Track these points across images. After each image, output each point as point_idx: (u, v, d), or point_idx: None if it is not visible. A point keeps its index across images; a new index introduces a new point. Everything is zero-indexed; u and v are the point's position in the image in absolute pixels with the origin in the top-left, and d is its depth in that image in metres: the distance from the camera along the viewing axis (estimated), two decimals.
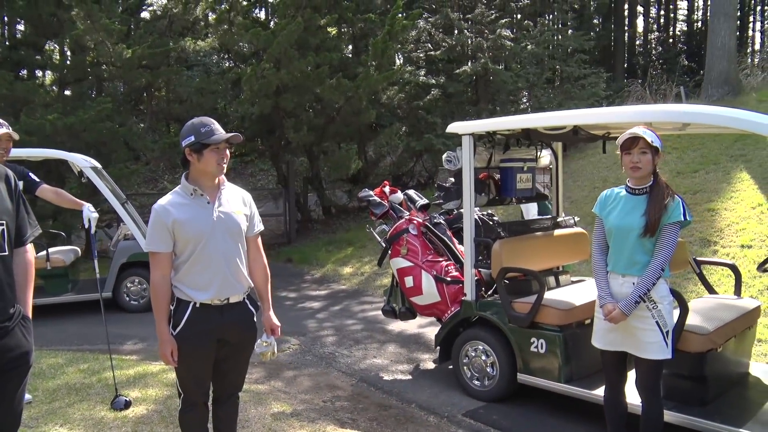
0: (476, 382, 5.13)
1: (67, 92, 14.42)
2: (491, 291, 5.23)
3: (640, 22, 30.76)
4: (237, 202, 3.23)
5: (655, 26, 32.71)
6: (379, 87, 13.39)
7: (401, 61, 17.27)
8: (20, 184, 4.78)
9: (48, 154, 8.64)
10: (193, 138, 3.06)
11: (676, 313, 3.91)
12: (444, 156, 5.50)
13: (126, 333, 7.53)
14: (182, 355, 3.17)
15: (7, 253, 2.59)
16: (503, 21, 15.33)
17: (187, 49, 13.78)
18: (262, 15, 19.63)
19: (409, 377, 5.85)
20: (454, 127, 5.21)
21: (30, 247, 2.82)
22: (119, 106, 13.67)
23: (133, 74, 12.78)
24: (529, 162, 5.78)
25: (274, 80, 12.12)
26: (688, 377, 4.11)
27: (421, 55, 16.00)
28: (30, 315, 2.76)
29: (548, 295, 4.78)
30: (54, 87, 14.98)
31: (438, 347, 5.51)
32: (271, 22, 15.62)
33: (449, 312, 5.34)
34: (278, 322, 3.39)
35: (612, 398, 3.83)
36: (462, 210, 5.31)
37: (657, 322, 3.46)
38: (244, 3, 13.96)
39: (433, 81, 15.50)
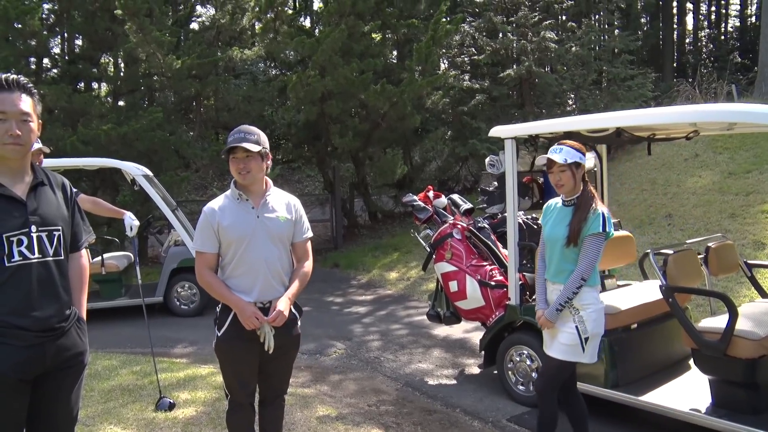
0: (521, 387, 5.10)
1: (121, 103, 14.84)
2: None
3: (689, 20, 30.07)
4: (281, 208, 3.30)
5: (706, 23, 31.93)
6: (423, 92, 13.44)
7: (445, 65, 17.27)
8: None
9: (102, 162, 8.93)
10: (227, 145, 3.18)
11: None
12: (487, 160, 5.51)
13: (176, 336, 7.72)
14: (226, 357, 3.27)
15: (63, 258, 2.71)
16: (547, 23, 15.20)
17: (234, 58, 14.04)
18: (307, 23, 19.88)
19: (454, 382, 5.85)
20: (496, 131, 5.21)
21: (84, 252, 2.94)
22: (169, 116, 14.00)
23: (183, 84, 13.10)
24: None
25: (319, 87, 12.27)
26: (739, 384, 4.01)
27: (465, 59, 15.98)
28: (84, 317, 2.87)
29: None
30: (109, 98, 15.43)
31: (482, 352, 5.51)
32: (316, 30, 15.80)
33: (494, 316, 5.33)
34: (285, 312, 3.18)
35: (563, 399, 3.93)
36: (506, 214, 5.30)
37: (577, 327, 3.62)
38: (289, 12, 14.20)
39: (478, 85, 15.45)
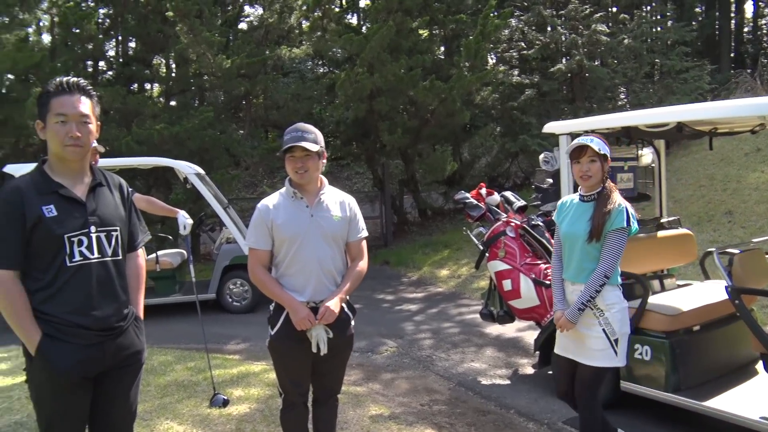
0: None
1: (173, 103, 15.12)
2: None
3: (748, 7, 29.01)
4: (336, 207, 3.27)
5: (767, 10, 30.77)
6: (472, 88, 13.32)
7: (494, 61, 17.08)
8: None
9: (156, 162, 9.09)
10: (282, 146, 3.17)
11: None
12: (541, 156, 5.39)
13: (229, 333, 7.81)
14: (279, 356, 3.27)
15: (120, 258, 2.75)
16: (598, 15, 14.89)
17: (283, 56, 14.16)
18: (354, 20, 19.89)
19: (508, 382, 5.77)
20: (550, 127, 5.09)
21: (141, 252, 2.98)
22: (220, 115, 14.20)
23: (233, 83, 13.27)
24: (630, 161, 5.56)
25: (367, 84, 12.26)
26: None
27: (514, 54, 15.77)
28: (142, 316, 2.91)
29: (653, 299, 4.58)
30: (161, 98, 15.74)
31: (537, 352, 5.40)
32: (363, 28, 15.79)
33: (548, 316, 5.21)
34: (335, 309, 3.12)
35: (563, 398, 3.85)
36: None
37: (604, 330, 3.47)
38: (337, 10, 14.22)
39: (527, 80, 15.24)
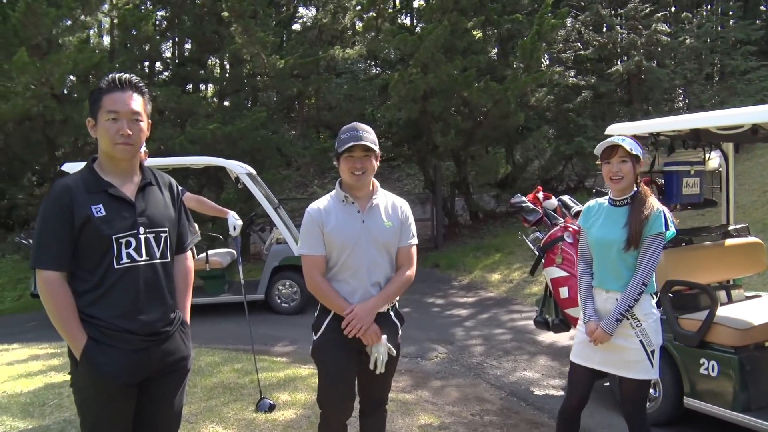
0: None
1: (226, 103, 15.26)
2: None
3: None
4: (388, 213, 3.12)
5: None
6: (527, 89, 13.05)
7: (549, 62, 16.74)
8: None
9: (208, 161, 9.13)
10: (336, 146, 3.05)
11: None
12: None
13: (277, 335, 7.77)
14: (322, 364, 3.13)
15: (169, 260, 2.68)
16: (659, 14, 14.42)
17: (336, 57, 14.12)
18: (408, 21, 19.76)
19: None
20: (614, 129, 4.86)
21: (190, 254, 2.90)
22: (272, 115, 14.26)
23: (286, 83, 13.31)
24: (697, 165, 5.29)
25: (421, 85, 12.12)
26: None
27: (570, 55, 15.41)
28: (188, 320, 2.83)
29: (721, 311, 4.32)
30: (215, 99, 15.91)
31: None
32: (418, 28, 15.66)
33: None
34: (365, 316, 2.96)
35: (569, 414, 3.65)
36: None
37: (641, 341, 3.32)
38: (391, 10, 14.12)
39: (583, 82, 14.87)
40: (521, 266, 10.66)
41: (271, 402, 4.93)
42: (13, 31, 11.05)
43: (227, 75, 15.45)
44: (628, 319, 3.31)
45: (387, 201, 3.17)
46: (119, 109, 2.51)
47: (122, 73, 2.59)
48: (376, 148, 3.04)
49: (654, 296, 3.43)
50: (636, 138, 3.46)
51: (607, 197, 3.54)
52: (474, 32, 14.30)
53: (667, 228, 3.30)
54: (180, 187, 5.19)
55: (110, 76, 2.57)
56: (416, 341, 7.26)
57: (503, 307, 8.91)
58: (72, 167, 8.54)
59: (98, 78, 11.96)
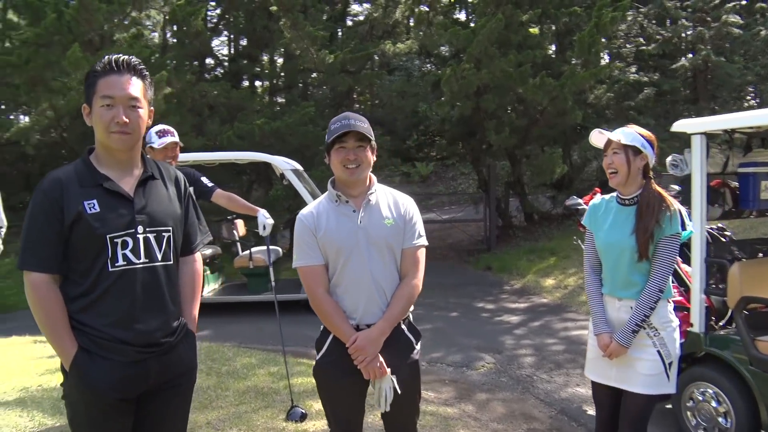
0: None
1: (281, 99, 15.15)
2: (724, 322, 4.36)
3: None
4: (387, 209, 2.74)
5: None
6: (585, 85, 12.45)
7: (609, 57, 16.04)
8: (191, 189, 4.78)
9: (252, 156, 8.95)
10: (326, 138, 2.70)
11: None
12: (668, 159, 4.67)
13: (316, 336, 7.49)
14: (325, 387, 2.80)
15: (172, 263, 2.41)
16: (729, 5, 13.57)
17: (387, 52, 13.83)
18: (462, 16, 19.30)
19: None
20: (681, 125, 4.38)
21: (198, 256, 2.62)
22: (323, 111, 14.06)
23: (336, 79, 13.07)
24: None
25: (474, 80, 11.71)
26: None
27: (632, 50, 14.68)
28: (195, 330, 2.56)
29: None
30: (266, 95, 15.83)
31: None
32: (471, 22, 15.23)
33: None
34: (370, 347, 2.62)
35: None
36: (690, 223, 4.48)
37: (659, 352, 3.01)
38: (443, 3, 13.72)
39: (645, 78, 14.12)
40: (577, 271, 10.14)
41: (303, 411, 4.67)
42: (68, 28, 11.14)
43: (278, 71, 15.31)
44: (644, 328, 3.01)
45: (387, 197, 2.80)
46: (115, 94, 2.24)
47: (119, 55, 2.31)
48: (372, 137, 2.70)
49: (671, 302, 3.10)
50: (642, 138, 3.08)
51: (614, 194, 3.19)
52: (530, 27, 13.78)
53: (683, 228, 2.98)
54: (211, 183, 5.00)
55: (106, 57, 2.29)
56: (463, 349, 6.89)
57: (556, 314, 8.44)
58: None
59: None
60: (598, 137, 3.19)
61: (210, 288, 9.19)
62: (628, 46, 14.76)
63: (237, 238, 9.40)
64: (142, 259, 2.30)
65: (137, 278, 2.28)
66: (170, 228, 2.39)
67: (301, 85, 15.42)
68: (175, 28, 14.28)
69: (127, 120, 2.25)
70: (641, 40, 14.58)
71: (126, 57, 2.31)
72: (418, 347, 2.83)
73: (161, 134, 4.61)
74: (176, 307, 2.43)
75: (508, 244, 13.71)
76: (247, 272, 8.89)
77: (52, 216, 2.21)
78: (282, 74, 16.07)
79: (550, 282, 10.22)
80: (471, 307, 9.07)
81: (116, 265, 2.25)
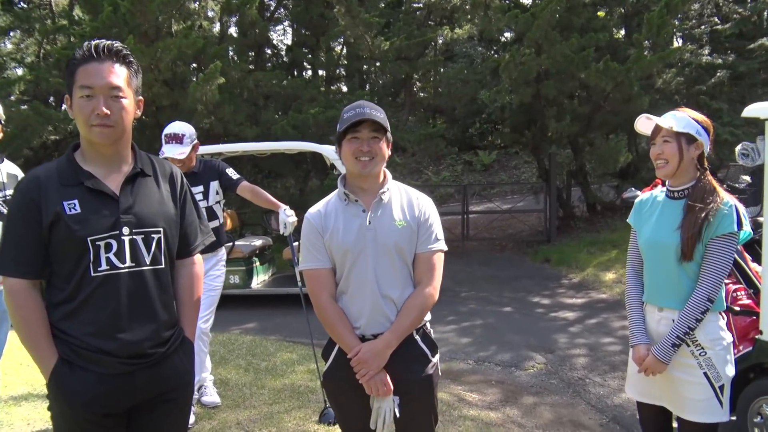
0: None
1: (344, 87, 15.00)
2: None
3: None
4: (400, 209, 2.50)
5: None
6: (653, 70, 11.78)
7: (681, 40, 15.22)
8: (215, 184, 4.58)
9: (303, 146, 8.79)
10: (338, 127, 2.46)
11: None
12: (738, 148, 4.22)
13: None
14: (333, 399, 2.64)
15: (163, 266, 2.20)
16: None
17: (446, 38, 13.47)
18: None
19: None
20: (753, 110, 3.92)
21: (198, 258, 2.41)
22: (380, 99, 13.83)
23: (393, 66, 12.81)
24: None
25: (534, 66, 11.25)
26: None
27: (705, 30, 13.85)
28: (194, 337, 2.36)
29: None
30: (323, 83, 15.71)
31: None
32: (531, 6, 14.70)
33: (736, 351, 4.10)
34: (373, 363, 2.39)
35: None
36: (762, 219, 4.05)
37: (706, 374, 2.64)
38: None
39: (719, 60, 13.29)
40: None
41: None
42: (123, 20, 11.23)
43: (336, 59, 15.15)
44: (688, 345, 2.62)
45: (401, 196, 2.55)
46: (94, 84, 2.04)
47: (101, 41, 2.11)
48: (388, 128, 2.45)
49: (723, 315, 2.71)
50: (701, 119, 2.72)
51: (664, 188, 2.82)
52: (595, 8, 13.16)
53: (740, 227, 2.58)
54: (237, 175, 4.81)
55: (86, 43, 2.09)
56: (513, 347, 6.56)
57: (615, 311, 7.97)
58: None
59: (200, 63, 12.00)
60: (645, 123, 2.81)
61: (260, 279, 9.12)
62: (701, 27, 13.95)
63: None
64: (128, 264, 2.11)
65: (121, 284, 2.10)
66: (161, 229, 2.19)
67: (360, 73, 15.25)
68: (233, 18, 14.36)
69: (108, 111, 2.05)
70: (716, 20, 13.75)
71: (108, 42, 2.11)
72: (434, 360, 2.57)
73: (167, 140, 4.45)
74: (169, 315, 2.24)
75: (569, 236, 13.20)
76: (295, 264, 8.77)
77: (30, 217, 2.05)
78: (341, 63, 15.96)
79: (611, 276, 9.73)
80: (525, 301, 8.70)
81: (99, 269, 2.07)
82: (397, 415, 2.45)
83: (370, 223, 2.45)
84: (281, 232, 4.70)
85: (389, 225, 2.45)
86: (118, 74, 2.09)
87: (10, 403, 4.79)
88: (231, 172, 4.73)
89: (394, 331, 2.42)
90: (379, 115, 2.43)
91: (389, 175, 2.56)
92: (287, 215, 4.61)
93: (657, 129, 2.73)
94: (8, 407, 4.72)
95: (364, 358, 2.38)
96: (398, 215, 2.48)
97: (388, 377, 2.42)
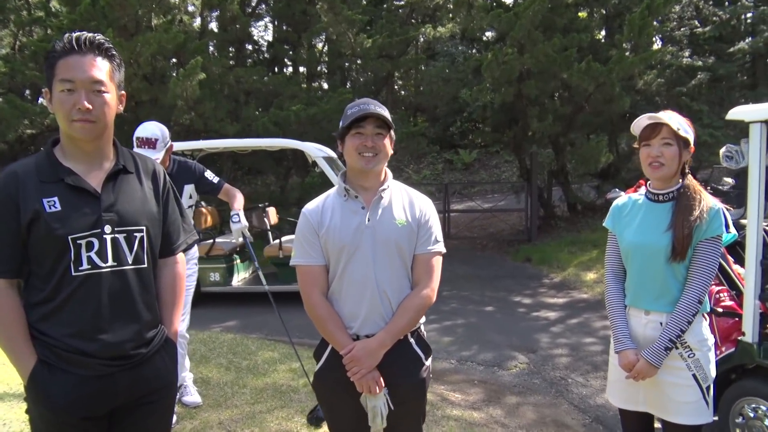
0: None
1: (325, 85, 14.91)
2: None
3: None
4: (400, 208, 2.47)
5: None
6: (634, 71, 11.84)
7: (661, 43, 15.33)
8: (189, 187, 4.46)
9: (284, 143, 8.74)
10: (341, 123, 2.42)
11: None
12: (723, 150, 4.25)
13: None
14: (324, 401, 2.58)
15: (145, 266, 2.14)
16: None
17: (428, 36, 13.45)
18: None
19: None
20: (738, 113, 3.94)
21: (181, 258, 2.36)
22: (360, 96, 13.77)
23: (375, 64, 12.76)
24: None
25: (516, 65, 11.25)
26: None
27: (685, 32, 13.98)
28: (176, 337, 2.31)
29: None
30: (305, 80, 15.62)
31: None
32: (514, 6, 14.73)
33: (718, 352, 4.12)
34: (367, 360, 2.37)
35: None
36: (745, 221, 4.06)
37: (694, 375, 2.64)
38: None
39: (699, 63, 13.43)
40: None
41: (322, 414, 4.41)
42: (102, 14, 11.06)
43: (318, 56, 15.07)
44: (677, 348, 2.60)
45: (402, 195, 2.53)
46: (75, 77, 1.98)
47: (82, 33, 2.05)
48: (392, 126, 2.43)
49: (706, 317, 2.71)
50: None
51: (641, 192, 2.81)
52: (576, 9, 13.21)
53: (727, 229, 2.60)
54: (216, 178, 4.71)
55: (67, 35, 2.03)
56: (495, 347, 6.55)
57: (596, 311, 8.01)
58: None
59: (180, 58, 11.86)
60: (640, 123, 2.77)
61: (240, 277, 9.04)
62: (682, 29, 14.09)
63: (268, 227, 9.23)
64: (110, 263, 2.06)
65: (103, 284, 2.04)
66: (143, 228, 2.14)
67: (342, 70, 15.17)
68: (214, 13, 14.22)
69: (90, 106, 1.99)
70: (696, 22, 13.89)
71: (90, 35, 2.05)
72: (427, 363, 2.54)
73: (139, 144, 4.21)
74: (152, 315, 2.19)
75: (550, 235, 13.25)
76: (278, 261, 8.70)
77: (7, 215, 1.98)
78: (323, 60, 15.87)
79: (592, 276, 9.78)
80: (507, 301, 8.70)
81: (80, 269, 2.02)
82: (392, 407, 2.42)
83: (369, 220, 2.42)
84: (231, 239, 4.58)
85: (389, 223, 2.43)
86: (101, 68, 2.04)
87: (6, 400, 4.69)
88: (210, 175, 4.63)
89: (389, 330, 2.39)
90: (384, 112, 2.41)
91: (390, 174, 2.54)
92: (235, 221, 4.51)
93: (655, 130, 2.68)
94: (2, 404, 4.63)
95: (358, 356, 2.35)
96: (399, 214, 2.45)
97: (381, 376, 2.39)
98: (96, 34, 2.07)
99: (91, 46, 2.03)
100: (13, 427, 4.23)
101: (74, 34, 2.02)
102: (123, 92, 2.16)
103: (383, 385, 2.39)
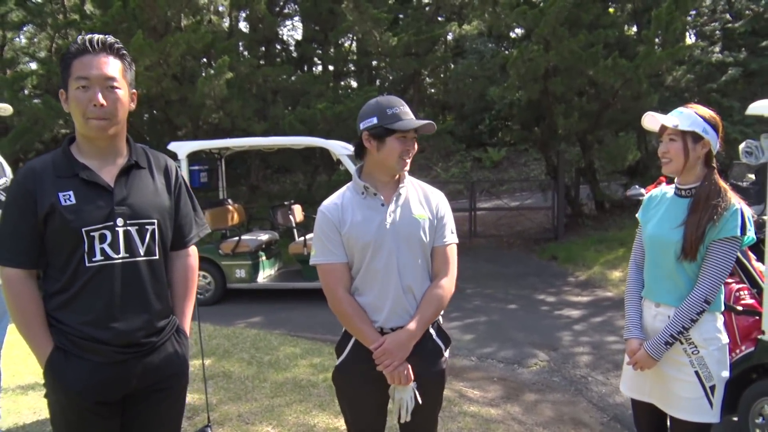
0: None
1: (353, 83, 14.99)
2: None
3: None
4: (418, 204, 2.53)
5: None
6: (663, 66, 11.67)
7: (693, 38, 15.12)
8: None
9: (309, 141, 8.83)
10: (375, 120, 2.44)
11: None
12: (742, 146, 4.18)
13: None
14: (344, 395, 2.62)
15: (157, 257, 2.23)
16: None
17: (454, 33, 13.44)
18: None
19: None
20: (758, 107, 3.91)
21: (193, 250, 2.44)
22: (387, 94, 13.82)
23: (401, 62, 12.79)
24: None
25: (542, 62, 11.19)
26: None
27: (717, 27, 13.74)
28: (188, 329, 2.39)
29: None
30: (332, 79, 15.71)
31: None
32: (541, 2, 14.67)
33: (738, 351, 4.08)
34: (398, 352, 2.41)
35: None
36: (765, 217, 4.03)
37: (697, 372, 2.62)
38: None
39: (731, 58, 13.19)
40: None
41: None
42: (132, 15, 11.28)
43: (345, 55, 15.15)
44: (681, 343, 2.63)
45: (418, 191, 2.59)
46: (90, 75, 2.08)
47: (94, 35, 2.15)
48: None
49: (721, 315, 2.68)
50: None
51: (673, 185, 2.80)
52: (603, 5, 13.07)
53: (743, 232, 2.54)
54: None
55: (80, 37, 2.14)
56: (516, 344, 6.56)
57: (620, 310, 7.90)
58: (178, 146, 8.51)
59: (210, 58, 12.02)
60: (651, 121, 2.79)
61: (265, 274, 9.15)
62: (713, 23, 13.86)
63: (293, 224, 9.32)
64: (122, 254, 2.14)
65: (116, 274, 2.13)
66: (155, 221, 2.22)
67: (369, 69, 15.22)
68: (243, 13, 14.38)
69: (104, 102, 2.08)
70: (728, 17, 13.65)
71: (102, 36, 2.15)
72: (446, 354, 2.61)
73: None
74: (163, 305, 2.27)
75: (577, 233, 13.16)
76: (302, 259, 8.79)
77: (26, 208, 2.09)
78: (350, 58, 15.95)
79: (617, 275, 9.70)
80: (531, 299, 8.69)
81: (94, 260, 2.11)
82: (419, 401, 2.47)
83: (390, 216, 2.47)
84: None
85: (409, 218, 2.49)
86: (113, 66, 2.13)
87: (18, 392, 4.87)
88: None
89: (419, 321, 2.45)
90: (415, 115, 2.54)
91: (406, 171, 2.59)
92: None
93: (663, 127, 2.71)
94: (15, 396, 4.79)
95: (390, 348, 2.40)
96: (417, 209, 2.52)
97: (409, 368, 2.44)
98: (107, 36, 2.16)
99: (103, 46, 2.12)
100: (43, 415, 4.37)
101: (87, 36, 2.12)
102: (134, 90, 2.25)
103: (413, 376, 2.45)
